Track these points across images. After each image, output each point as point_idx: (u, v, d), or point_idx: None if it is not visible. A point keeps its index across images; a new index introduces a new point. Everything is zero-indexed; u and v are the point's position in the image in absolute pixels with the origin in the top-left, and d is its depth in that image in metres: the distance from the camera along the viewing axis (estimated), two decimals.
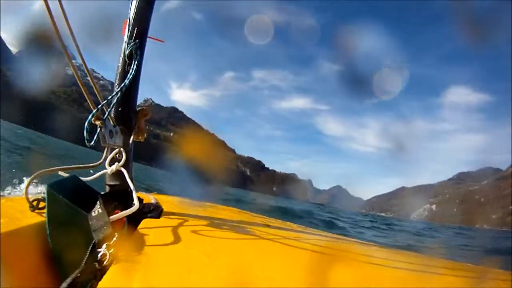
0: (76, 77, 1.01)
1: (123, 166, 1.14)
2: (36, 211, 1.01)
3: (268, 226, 1.53)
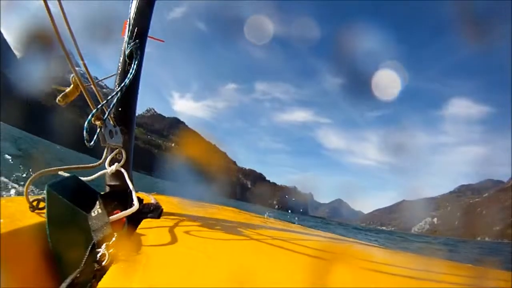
0: (75, 76, 1.00)
1: (123, 166, 1.14)
2: (36, 211, 1.01)
3: (268, 226, 1.56)
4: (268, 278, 0.71)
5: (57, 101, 1.06)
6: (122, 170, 1.13)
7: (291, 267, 0.82)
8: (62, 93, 1.07)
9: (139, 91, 1.32)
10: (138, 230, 0.96)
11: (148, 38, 1.33)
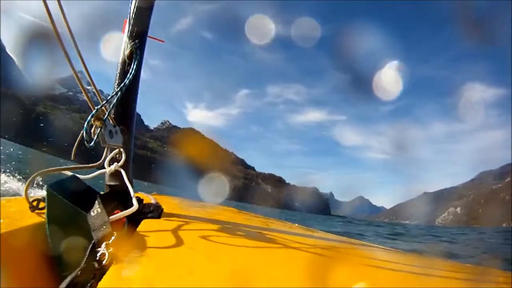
0: (75, 77, 0.97)
1: (122, 166, 1.13)
2: (36, 211, 1.01)
3: (268, 226, 1.56)
4: (268, 279, 0.72)
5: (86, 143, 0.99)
6: (121, 170, 1.13)
7: (292, 267, 0.82)
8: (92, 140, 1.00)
9: (139, 90, 1.31)
10: (138, 231, 0.96)
11: (148, 38, 1.33)
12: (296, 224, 2.03)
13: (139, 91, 1.32)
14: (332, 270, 0.79)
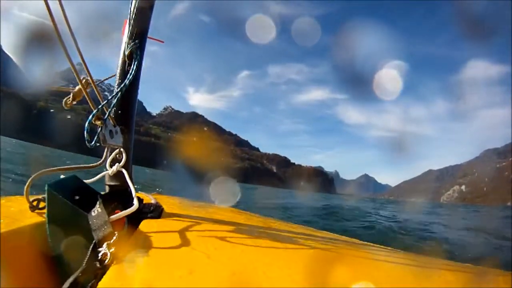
0: (76, 76, 1.01)
1: (123, 166, 1.14)
2: (36, 211, 1.02)
3: (268, 226, 1.56)
4: (268, 279, 0.71)
5: (63, 104, 1.11)
6: (123, 170, 1.13)
7: (292, 267, 0.82)
8: (68, 96, 1.10)
9: (139, 91, 1.30)
10: (139, 230, 0.96)
11: (148, 39, 1.32)
12: (296, 224, 2.00)
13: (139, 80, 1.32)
14: (332, 270, 0.79)
